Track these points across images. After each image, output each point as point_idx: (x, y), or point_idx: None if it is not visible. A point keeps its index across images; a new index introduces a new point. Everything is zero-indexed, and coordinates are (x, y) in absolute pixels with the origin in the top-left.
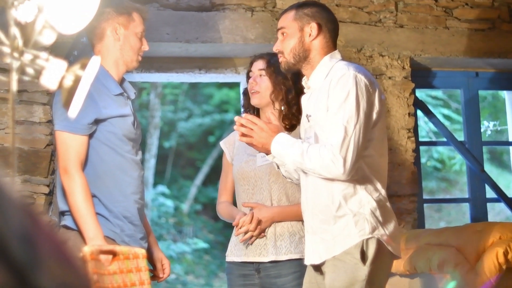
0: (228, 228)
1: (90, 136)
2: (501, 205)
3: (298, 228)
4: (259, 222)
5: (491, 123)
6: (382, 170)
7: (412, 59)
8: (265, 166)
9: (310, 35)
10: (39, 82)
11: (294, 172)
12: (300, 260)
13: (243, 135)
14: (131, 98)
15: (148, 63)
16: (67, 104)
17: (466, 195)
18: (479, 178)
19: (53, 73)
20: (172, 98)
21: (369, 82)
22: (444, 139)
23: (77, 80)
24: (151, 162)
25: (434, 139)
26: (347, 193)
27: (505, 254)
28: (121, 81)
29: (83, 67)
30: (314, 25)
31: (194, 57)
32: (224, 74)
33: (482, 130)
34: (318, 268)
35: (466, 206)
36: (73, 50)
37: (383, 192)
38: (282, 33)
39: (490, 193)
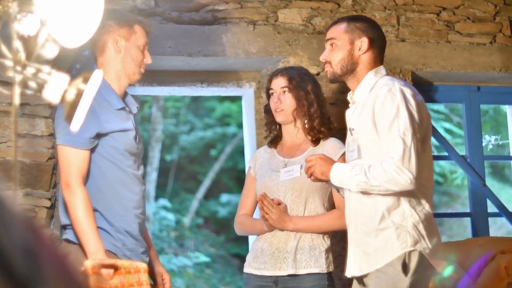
0: (230, 242)
1: (92, 150)
2: (503, 220)
3: (319, 242)
4: (281, 212)
5: (493, 138)
6: (428, 185)
7: (413, 73)
8: (288, 181)
9: (360, 49)
10: (41, 95)
11: None
12: (319, 274)
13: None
14: (133, 112)
15: (150, 76)
16: (69, 118)
17: (468, 210)
18: (480, 193)
19: (55, 87)
20: (174, 111)
21: (415, 94)
22: (446, 153)
23: (79, 94)
24: (153, 175)
25: (435, 153)
26: (390, 205)
27: (507, 268)
28: (124, 95)
29: (86, 80)
30: (365, 40)
31: (196, 71)
32: (226, 87)
33: (483, 144)
34: (361, 280)
35: (467, 221)
36: (75, 63)
37: (427, 206)
38: (331, 44)
39: (491, 207)
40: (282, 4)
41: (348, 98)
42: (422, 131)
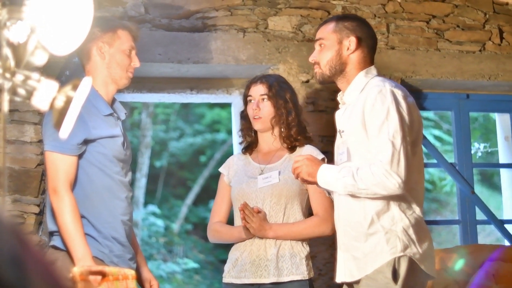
0: (219, 248)
1: (80, 156)
2: (491, 227)
3: (299, 249)
4: (261, 220)
5: (482, 145)
6: (419, 189)
7: (403, 81)
8: (266, 187)
9: (348, 48)
10: (30, 102)
11: None
12: (302, 281)
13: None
14: (121, 118)
15: (140, 83)
16: (58, 124)
17: (457, 217)
18: (469, 200)
19: (45, 94)
20: (163, 118)
21: (406, 96)
22: (435, 161)
23: (68, 101)
24: (142, 182)
25: (425, 160)
26: (380, 209)
27: (495, 276)
28: (112, 102)
29: (75, 88)
30: (353, 39)
31: (186, 78)
32: (215, 94)
33: (472, 152)
34: (351, 286)
35: (456, 228)
36: (65, 70)
37: (417, 210)
38: (320, 44)
39: (480, 215)
40: (272, 12)
41: (338, 98)
42: (413, 134)
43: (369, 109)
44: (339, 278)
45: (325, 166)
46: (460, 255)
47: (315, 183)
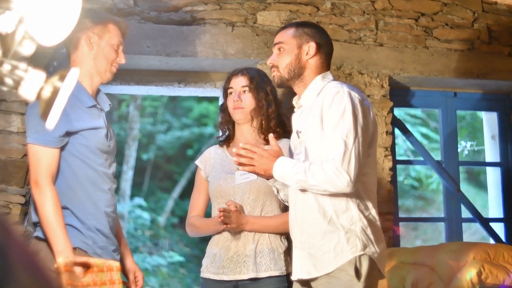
0: (204, 241)
1: (62, 148)
2: (477, 225)
3: (277, 244)
4: (238, 216)
5: (469, 143)
6: (374, 189)
7: (391, 78)
8: (244, 184)
9: (307, 53)
10: (17, 92)
11: None
12: (280, 277)
13: (242, 164)
14: (105, 110)
15: (128, 75)
16: (44, 115)
17: (442, 214)
18: (455, 198)
19: (32, 84)
20: (151, 111)
21: (363, 99)
22: (421, 158)
23: (55, 92)
24: (129, 174)
25: (412, 157)
26: (338, 208)
27: (479, 274)
28: (96, 93)
29: (62, 78)
30: (312, 44)
31: (174, 71)
32: (203, 88)
33: (459, 150)
34: (306, 283)
35: (442, 225)
36: (53, 61)
37: (373, 211)
38: (279, 48)
39: (465, 213)
40: (261, 6)
41: (294, 102)
42: (368, 136)
43: (326, 108)
44: (295, 276)
45: (280, 161)
46: (472, 264)
47: (269, 177)
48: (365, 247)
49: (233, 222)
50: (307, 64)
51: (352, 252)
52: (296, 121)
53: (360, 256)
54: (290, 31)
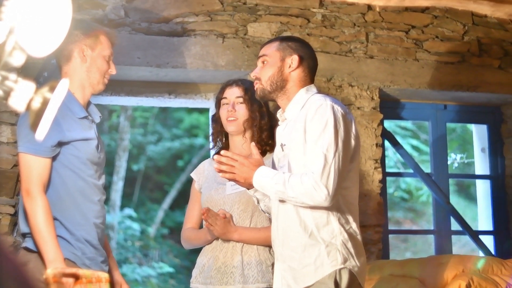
0: (194, 253)
1: (54, 158)
2: (466, 238)
3: (265, 257)
4: (226, 223)
5: (459, 156)
6: (355, 203)
7: (381, 90)
8: (234, 194)
9: (290, 66)
10: (7, 103)
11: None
12: None
13: (223, 171)
14: (96, 121)
15: (118, 86)
16: (34, 126)
17: (432, 227)
18: (444, 210)
19: (22, 94)
20: (142, 121)
21: (345, 113)
22: (411, 170)
23: (45, 103)
24: (119, 185)
25: (402, 169)
26: (319, 222)
27: (468, 287)
28: (87, 105)
29: (52, 89)
30: (295, 57)
31: (165, 82)
32: (193, 99)
33: (449, 162)
34: None
35: (432, 238)
36: (43, 72)
37: (354, 225)
38: (263, 61)
39: (455, 225)
40: (252, 18)
41: (278, 116)
42: (349, 150)
43: (309, 121)
44: None
45: (260, 171)
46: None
47: (250, 186)
48: (345, 260)
49: (218, 226)
50: (290, 77)
51: (332, 266)
52: (280, 134)
53: (340, 270)
54: (274, 45)
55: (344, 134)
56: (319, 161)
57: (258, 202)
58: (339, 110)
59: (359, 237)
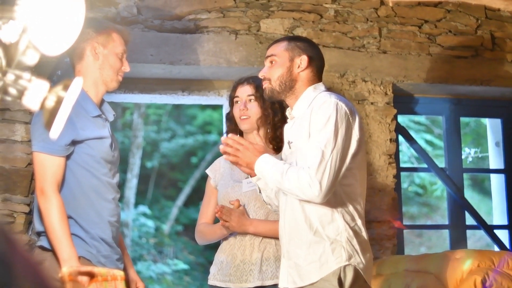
0: (209, 249)
1: (68, 157)
2: (481, 232)
3: None
4: (240, 216)
5: (473, 150)
6: (360, 200)
7: (394, 85)
8: (250, 192)
9: (299, 66)
10: (21, 102)
11: (275, 198)
12: None
13: (228, 154)
14: (109, 120)
15: (131, 83)
16: (48, 125)
17: (447, 222)
18: (459, 205)
19: (36, 93)
20: (155, 118)
21: (350, 111)
22: (425, 165)
23: (59, 101)
24: (133, 182)
25: (416, 164)
26: (324, 219)
27: (483, 282)
28: (101, 103)
29: (66, 88)
30: (304, 58)
31: (178, 79)
32: (207, 96)
33: (463, 157)
34: None
35: (446, 232)
36: (56, 70)
37: (359, 222)
38: (271, 61)
39: (470, 220)
40: (264, 14)
41: (287, 113)
42: (349, 148)
43: (313, 118)
44: (281, 285)
45: (263, 158)
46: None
47: (251, 172)
48: (350, 257)
49: (233, 220)
50: (299, 77)
51: (337, 263)
52: (288, 131)
53: (345, 267)
54: (283, 45)
55: (345, 132)
56: (316, 156)
57: (260, 192)
58: (343, 107)
59: (364, 233)
